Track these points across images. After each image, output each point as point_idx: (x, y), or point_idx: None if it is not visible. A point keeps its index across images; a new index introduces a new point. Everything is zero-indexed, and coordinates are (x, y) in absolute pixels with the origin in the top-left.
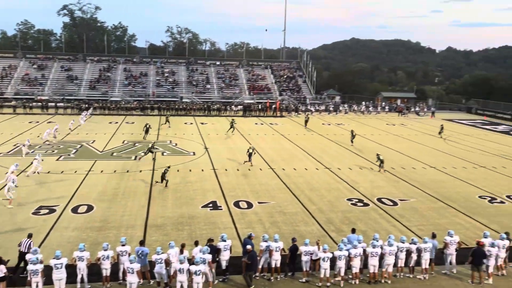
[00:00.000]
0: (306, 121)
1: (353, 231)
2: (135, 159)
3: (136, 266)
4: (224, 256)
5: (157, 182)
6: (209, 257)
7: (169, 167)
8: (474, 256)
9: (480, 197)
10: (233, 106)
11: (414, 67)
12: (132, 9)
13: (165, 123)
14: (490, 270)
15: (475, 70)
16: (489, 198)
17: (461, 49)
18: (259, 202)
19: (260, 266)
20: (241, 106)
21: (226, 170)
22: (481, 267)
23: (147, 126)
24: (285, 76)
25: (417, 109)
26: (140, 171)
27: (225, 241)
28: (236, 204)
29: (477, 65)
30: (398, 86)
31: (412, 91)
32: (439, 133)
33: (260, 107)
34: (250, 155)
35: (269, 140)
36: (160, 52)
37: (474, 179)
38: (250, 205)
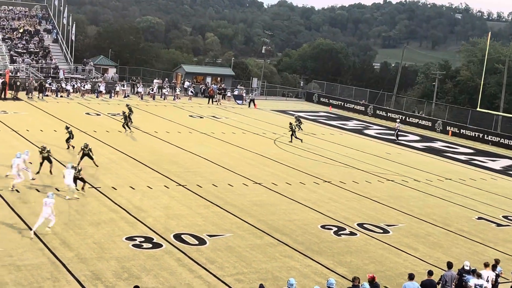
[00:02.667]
0: (127, 117)
1: None
2: None
3: None
4: None
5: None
6: None
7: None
8: None
9: (323, 227)
10: None
11: (233, 27)
12: None
13: None
14: None
15: (317, 36)
16: (335, 229)
17: (299, 4)
18: None
19: None
20: None
21: None
22: None
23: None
24: (21, 30)
25: (235, 92)
26: None
27: None
28: None
29: (320, 30)
30: (208, 57)
31: (229, 66)
32: (298, 126)
33: None
34: None
35: None
36: None
37: (316, 200)
38: None
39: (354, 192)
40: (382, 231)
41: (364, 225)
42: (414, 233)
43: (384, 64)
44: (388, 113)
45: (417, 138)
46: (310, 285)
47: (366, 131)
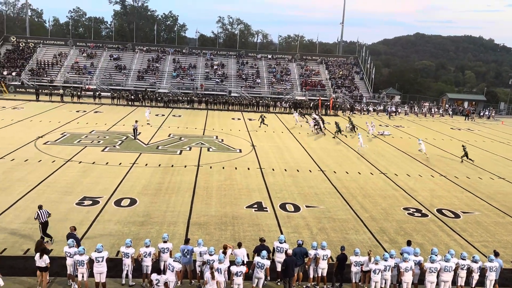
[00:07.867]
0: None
1: (409, 243)
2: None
3: (177, 266)
4: (279, 258)
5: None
6: (268, 262)
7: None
8: None
9: None
10: (283, 103)
11: (486, 66)
12: None
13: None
14: None
15: None
16: None
17: None
18: (306, 206)
19: (311, 276)
20: (291, 103)
21: (273, 169)
22: None
23: (263, 117)
24: (340, 73)
25: (487, 113)
26: (185, 166)
27: (281, 243)
28: (283, 207)
29: None
30: (466, 87)
31: (481, 93)
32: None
33: (311, 105)
34: None
35: (320, 140)
36: (210, 44)
37: None
38: (297, 209)
39: None
40: None
41: None
42: None
43: None
44: None
45: None
46: None
47: None
